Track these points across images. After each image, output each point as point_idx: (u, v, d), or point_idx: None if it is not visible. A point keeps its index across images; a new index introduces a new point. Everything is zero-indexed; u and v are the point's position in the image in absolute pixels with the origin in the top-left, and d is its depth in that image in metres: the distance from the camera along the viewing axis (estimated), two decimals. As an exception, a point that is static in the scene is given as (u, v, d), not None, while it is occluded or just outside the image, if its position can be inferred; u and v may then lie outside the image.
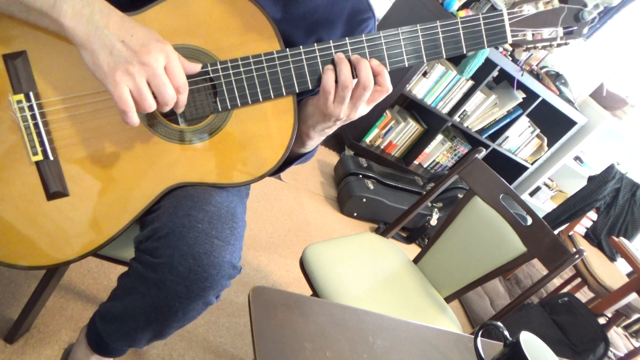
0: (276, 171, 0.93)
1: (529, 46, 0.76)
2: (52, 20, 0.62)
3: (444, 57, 0.74)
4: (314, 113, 0.77)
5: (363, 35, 0.72)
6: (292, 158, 0.91)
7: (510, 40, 0.74)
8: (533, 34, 0.74)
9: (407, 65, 0.75)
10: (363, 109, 0.75)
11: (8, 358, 1.04)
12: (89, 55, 0.62)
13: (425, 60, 0.75)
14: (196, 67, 0.70)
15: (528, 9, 0.72)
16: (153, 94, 0.64)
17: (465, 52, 0.75)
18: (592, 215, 2.72)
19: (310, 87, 0.74)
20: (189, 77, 0.72)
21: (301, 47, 0.72)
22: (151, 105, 0.64)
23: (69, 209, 0.73)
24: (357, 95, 0.72)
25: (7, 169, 0.70)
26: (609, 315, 2.22)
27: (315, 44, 0.72)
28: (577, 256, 1.18)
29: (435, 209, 2.52)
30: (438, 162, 3.14)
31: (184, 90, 0.67)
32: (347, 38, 0.72)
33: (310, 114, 0.78)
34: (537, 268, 3.02)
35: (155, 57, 0.62)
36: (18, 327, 1.05)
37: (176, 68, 0.65)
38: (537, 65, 2.83)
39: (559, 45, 0.76)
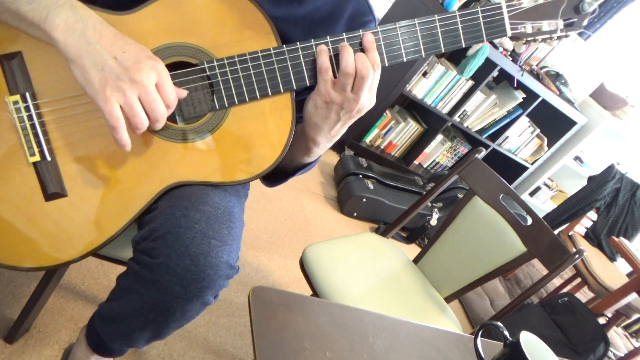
0: (277, 181, 0.91)
1: (528, 39, 0.75)
2: (43, 33, 0.62)
3: (443, 51, 0.74)
4: (317, 108, 0.74)
5: (360, 30, 0.72)
6: (293, 168, 0.89)
7: (509, 33, 0.73)
8: (532, 27, 0.73)
9: (405, 60, 0.74)
10: (366, 99, 0.72)
11: (8, 358, 1.03)
12: (80, 71, 0.62)
13: (423, 55, 0.74)
14: (183, 93, 0.70)
15: (527, 1, 0.72)
16: (145, 112, 0.64)
17: (464, 45, 0.74)
18: (592, 215, 2.71)
19: (308, 84, 0.74)
20: (187, 75, 0.72)
21: (298, 43, 0.72)
22: (143, 122, 0.64)
23: (68, 209, 0.73)
24: (357, 86, 0.70)
25: (5, 170, 0.70)
26: (609, 315, 2.22)
27: (312, 40, 0.72)
28: (577, 256, 1.18)
29: (435, 209, 2.52)
30: (438, 162, 3.14)
31: (174, 107, 0.67)
32: (344, 33, 0.72)
33: (312, 111, 0.75)
34: (537, 268, 3.01)
35: (147, 75, 0.62)
36: (18, 327, 1.05)
37: (167, 85, 0.65)
38: (537, 65, 2.82)
39: (559, 37, 0.75)
